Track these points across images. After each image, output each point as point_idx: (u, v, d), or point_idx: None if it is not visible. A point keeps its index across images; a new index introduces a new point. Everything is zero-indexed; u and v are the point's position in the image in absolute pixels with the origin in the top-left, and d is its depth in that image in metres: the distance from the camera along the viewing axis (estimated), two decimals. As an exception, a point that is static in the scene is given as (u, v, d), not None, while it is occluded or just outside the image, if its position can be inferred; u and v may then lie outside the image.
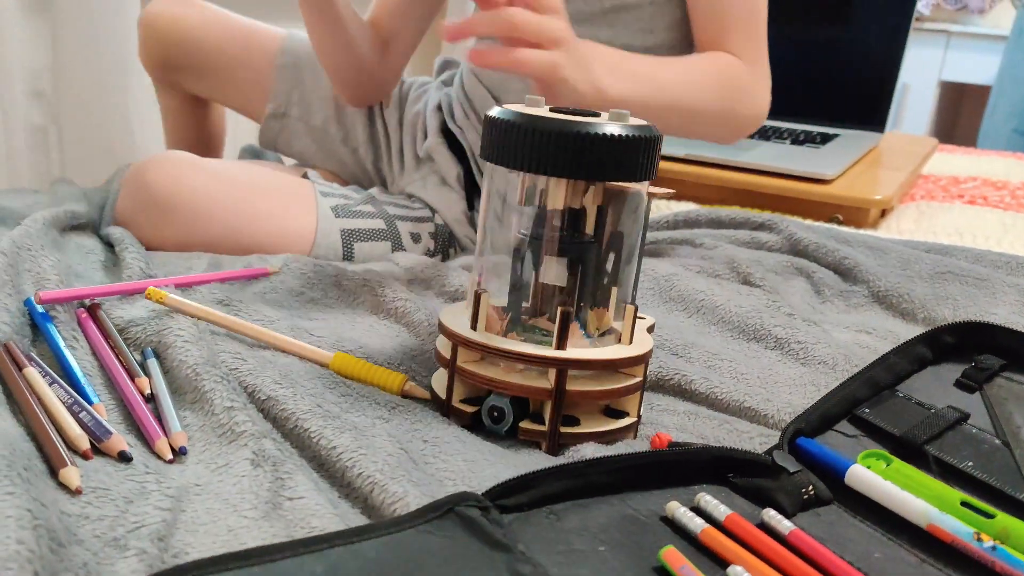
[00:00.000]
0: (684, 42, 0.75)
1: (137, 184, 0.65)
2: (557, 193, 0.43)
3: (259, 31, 0.86)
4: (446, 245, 0.77)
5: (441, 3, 0.83)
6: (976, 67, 2.05)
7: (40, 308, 0.47)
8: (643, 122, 0.43)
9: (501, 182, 0.45)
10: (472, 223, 0.77)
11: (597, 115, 0.43)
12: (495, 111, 0.42)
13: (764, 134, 1.04)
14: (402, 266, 0.67)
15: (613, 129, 0.40)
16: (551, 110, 0.44)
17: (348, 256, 0.70)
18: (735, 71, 0.70)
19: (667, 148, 0.97)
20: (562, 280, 0.44)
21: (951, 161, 1.14)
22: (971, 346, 0.47)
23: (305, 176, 0.76)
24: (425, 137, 0.82)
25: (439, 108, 0.82)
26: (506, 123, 0.41)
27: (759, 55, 0.72)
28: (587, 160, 0.40)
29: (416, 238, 0.75)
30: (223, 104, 0.90)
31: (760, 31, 0.72)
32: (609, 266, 0.45)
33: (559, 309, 0.41)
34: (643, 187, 0.44)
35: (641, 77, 0.63)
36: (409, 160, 0.83)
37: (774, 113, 1.10)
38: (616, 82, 0.60)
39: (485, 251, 0.46)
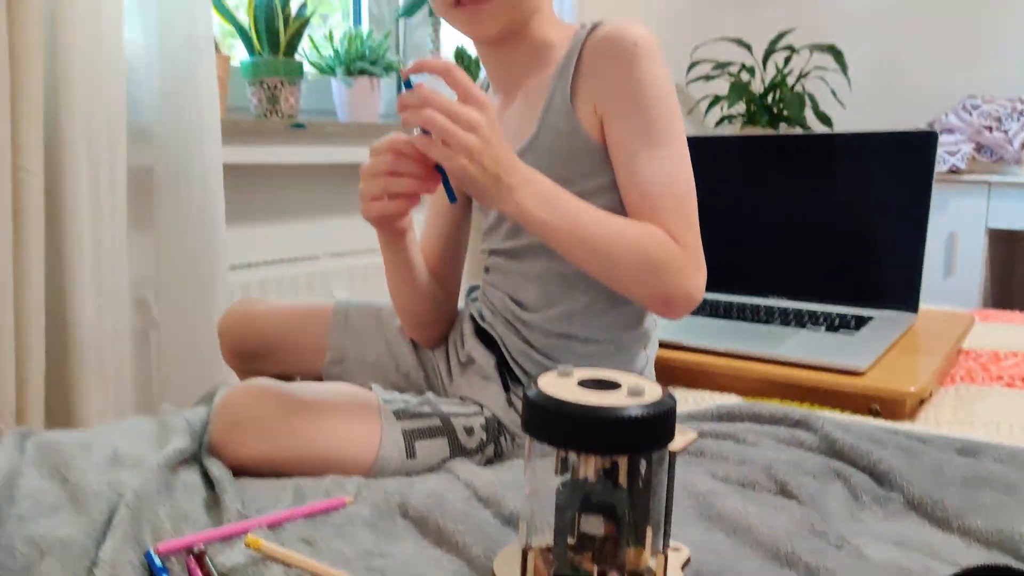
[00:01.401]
0: None
1: (225, 411, 0.74)
2: (588, 462, 0.50)
3: (312, 307, 1.02)
4: (496, 433, 0.86)
5: (467, 232, 0.98)
6: (1020, 215, 2.09)
7: (158, 561, 0.55)
8: (657, 393, 0.50)
9: (539, 447, 0.52)
10: (514, 408, 0.86)
11: (617, 385, 0.51)
12: (532, 392, 0.50)
13: (800, 320, 1.10)
14: (461, 479, 0.74)
15: (635, 411, 0.47)
16: (579, 384, 0.51)
17: (411, 453, 0.79)
18: (662, 240, 0.76)
19: (708, 342, 1.04)
20: (599, 529, 0.51)
21: (992, 333, 1.17)
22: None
23: (370, 388, 0.85)
24: (463, 345, 0.93)
25: (471, 318, 0.95)
26: (540, 406, 0.49)
27: (692, 242, 0.78)
28: (613, 440, 0.47)
29: (469, 431, 0.83)
30: (289, 373, 1.04)
31: (692, 220, 0.78)
32: (642, 512, 0.51)
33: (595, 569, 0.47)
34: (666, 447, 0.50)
35: (564, 211, 0.74)
36: (456, 370, 0.94)
37: (809, 297, 1.17)
38: (539, 207, 0.72)
39: (532, 505, 0.52)
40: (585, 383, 0.52)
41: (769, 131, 2.43)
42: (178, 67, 1.23)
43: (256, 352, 1.01)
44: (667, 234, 0.77)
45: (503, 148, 0.70)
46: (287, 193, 1.57)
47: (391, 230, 0.84)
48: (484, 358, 0.89)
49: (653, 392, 0.51)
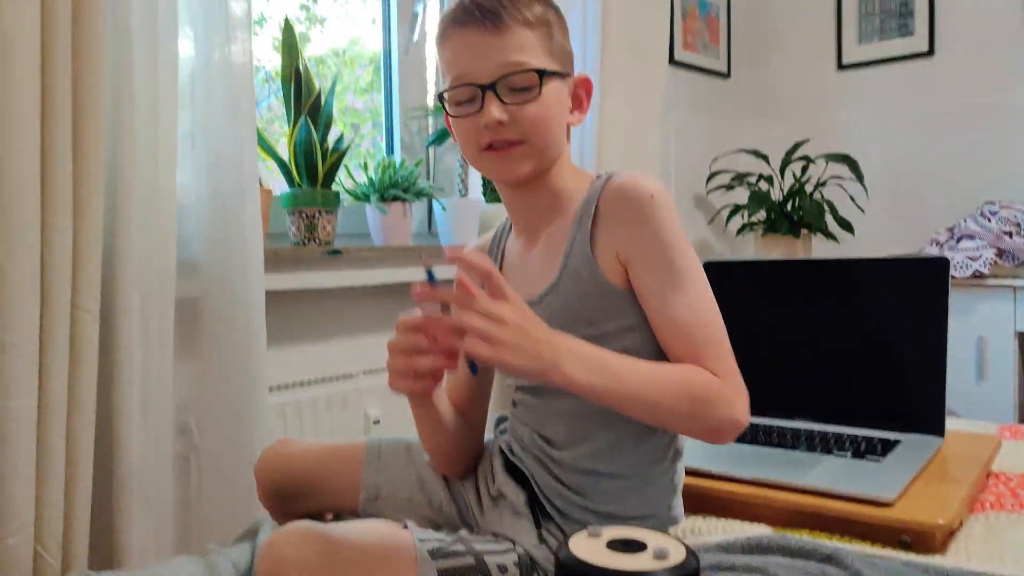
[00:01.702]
0: None
1: (271, 556, 0.77)
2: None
3: (346, 447, 1.06)
4: (529, 570, 0.87)
5: (492, 371, 1.01)
6: (1048, 318, 2.10)
7: None
8: (682, 555, 0.53)
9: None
10: (546, 544, 0.88)
11: (644, 547, 0.53)
12: (563, 554, 0.53)
13: (827, 445, 1.12)
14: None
15: (661, 577, 0.50)
16: (608, 545, 0.54)
17: None
18: (705, 377, 0.80)
19: (735, 470, 1.05)
20: None
21: (1020, 453, 1.17)
22: None
23: (405, 526, 0.88)
24: (494, 480, 0.96)
25: (500, 451, 0.98)
26: (571, 569, 0.52)
27: (730, 370, 0.82)
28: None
29: (503, 569, 0.85)
30: (324, 510, 1.08)
31: (726, 350, 0.83)
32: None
33: None
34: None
35: (607, 371, 0.77)
36: (487, 504, 0.96)
37: (835, 420, 1.18)
38: (584, 374, 0.75)
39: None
40: (613, 544, 0.55)
41: (791, 255, 2.48)
42: (226, 206, 1.30)
43: (293, 493, 1.05)
44: (706, 369, 0.81)
45: (538, 329, 0.74)
46: (323, 315, 1.64)
47: (419, 398, 0.90)
48: (515, 493, 0.91)
49: (677, 554, 0.53)
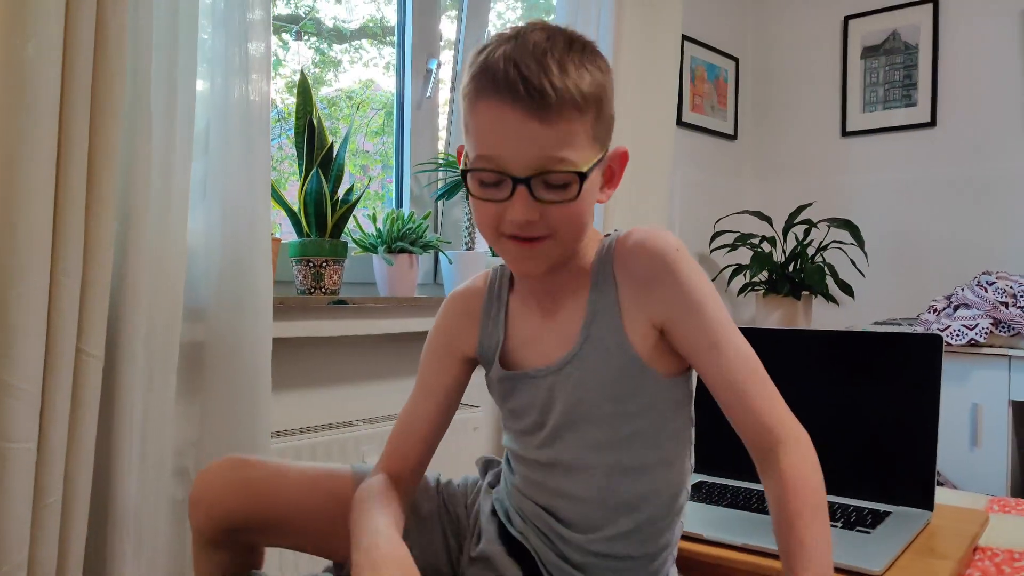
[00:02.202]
0: (681, 448, 0.88)
1: None
2: None
3: (327, 478, 0.95)
4: None
5: (449, 421, 0.95)
6: (1044, 389, 2.11)
7: None
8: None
9: None
10: None
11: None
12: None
13: (817, 514, 1.13)
14: None
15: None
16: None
17: None
18: (808, 478, 0.75)
19: (728, 536, 1.06)
20: None
21: (1008, 527, 1.18)
22: None
23: None
24: (478, 540, 0.92)
25: (494, 513, 0.93)
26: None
27: (783, 412, 0.79)
28: None
29: None
30: (295, 549, 0.98)
31: (775, 393, 0.80)
32: None
33: None
34: None
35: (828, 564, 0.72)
36: (465, 560, 0.93)
37: (831, 489, 1.20)
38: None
39: None
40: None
41: (792, 317, 2.50)
42: (237, 254, 1.33)
43: (246, 527, 0.93)
44: (765, 423, 0.77)
45: None
46: (325, 362, 1.66)
47: None
48: (509, 568, 0.88)
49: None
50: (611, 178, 0.85)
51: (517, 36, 0.76)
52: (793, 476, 0.75)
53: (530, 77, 0.72)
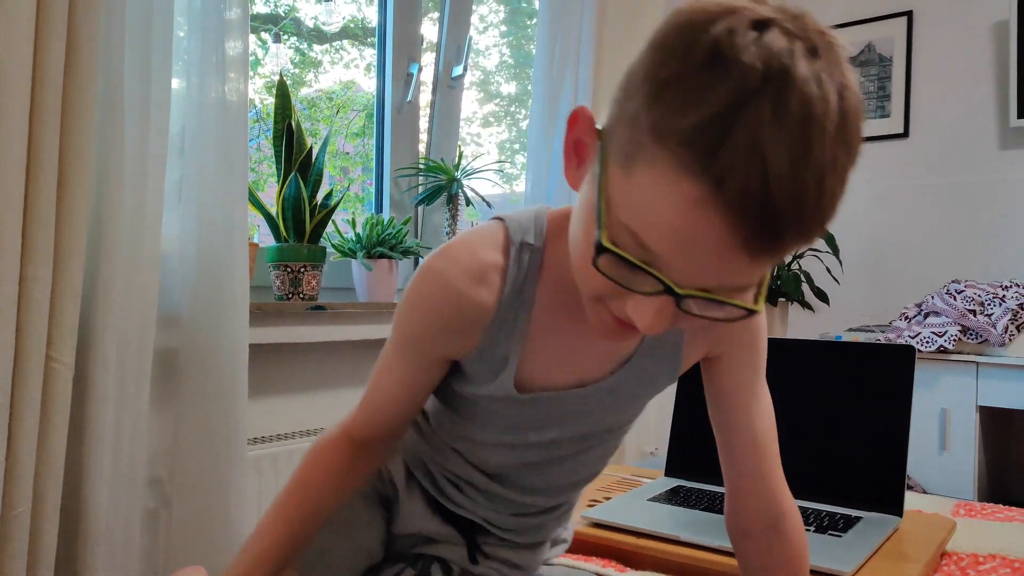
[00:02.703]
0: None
1: None
2: None
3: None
4: None
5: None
6: (1009, 394, 2.15)
7: None
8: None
9: None
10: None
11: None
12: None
13: (790, 520, 1.15)
14: None
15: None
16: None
17: None
18: (800, 544, 0.79)
19: (704, 539, 1.07)
20: None
21: (975, 531, 1.20)
22: None
23: None
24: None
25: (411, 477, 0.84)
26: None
27: (783, 483, 0.79)
28: None
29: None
30: None
31: (778, 455, 0.79)
32: None
33: None
34: None
35: None
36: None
37: (804, 495, 1.22)
38: None
39: None
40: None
41: (769, 324, 2.53)
42: (212, 260, 1.32)
43: None
44: (768, 486, 0.78)
45: None
46: (304, 368, 1.65)
47: None
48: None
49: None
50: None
51: (795, 96, 0.46)
52: (803, 542, 0.80)
53: (788, 214, 0.47)
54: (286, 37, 1.93)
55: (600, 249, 0.52)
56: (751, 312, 0.54)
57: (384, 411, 0.76)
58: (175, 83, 1.29)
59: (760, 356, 0.76)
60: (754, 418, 0.76)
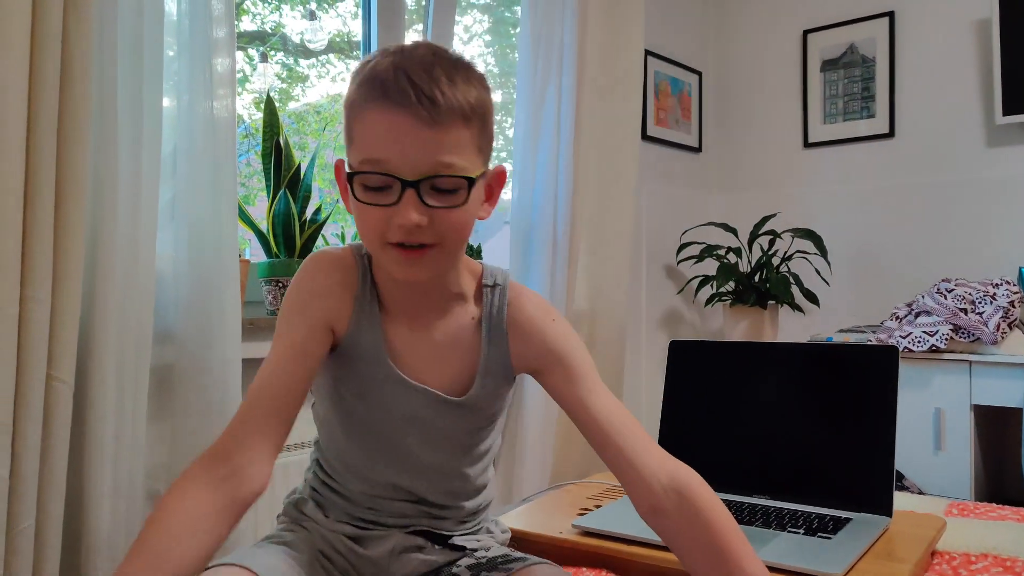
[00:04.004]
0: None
1: None
2: None
3: None
4: None
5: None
6: (1002, 392, 2.16)
7: None
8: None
9: None
10: None
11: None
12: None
13: (782, 522, 1.15)
14: None
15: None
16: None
17: None
18: (712, 500, 0.85)
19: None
20: None
21: (966, 530, 1.21)
22: None
23: None
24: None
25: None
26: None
27: (654, 447, 0.88)
28: None
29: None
30: None
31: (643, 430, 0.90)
32: None
33: None
34: None
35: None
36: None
37: (794, 497, 1.23)
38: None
39: None
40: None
41: (758, 326, 2.55)
42: (204, 277, 1.34)
43: None
44: (641, 455, 0.86)
45: None
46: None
47: None
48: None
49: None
50: (491, 195, 0.88)
51: (403, 51, 0.80)
52: (718, 506, 0.85)
53: (421, 85, 0.76)
54: (273, 53, 1.95)
55: (351, 179, 0.79)
56: (467, 179, 0.79)
57: (272, 386, 0.86)
58: (165, 102, 1.31)
59: (578, 365, 0.90)
60: (594, 410, 0.87)
